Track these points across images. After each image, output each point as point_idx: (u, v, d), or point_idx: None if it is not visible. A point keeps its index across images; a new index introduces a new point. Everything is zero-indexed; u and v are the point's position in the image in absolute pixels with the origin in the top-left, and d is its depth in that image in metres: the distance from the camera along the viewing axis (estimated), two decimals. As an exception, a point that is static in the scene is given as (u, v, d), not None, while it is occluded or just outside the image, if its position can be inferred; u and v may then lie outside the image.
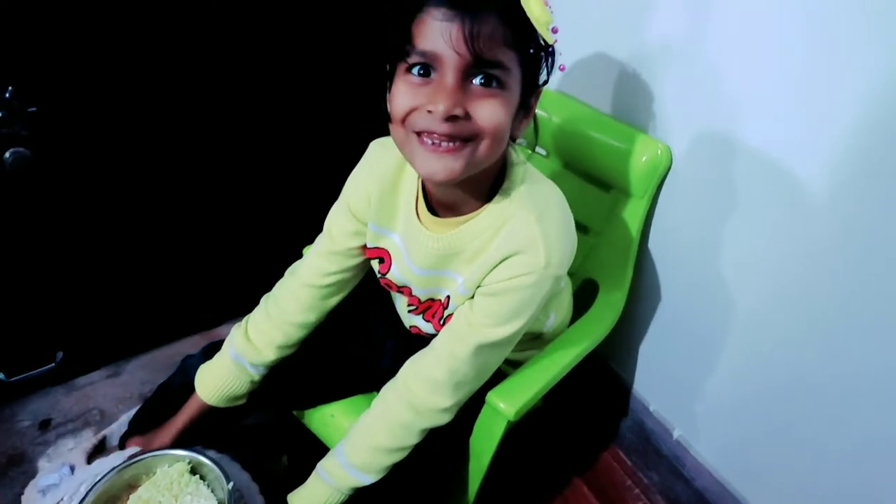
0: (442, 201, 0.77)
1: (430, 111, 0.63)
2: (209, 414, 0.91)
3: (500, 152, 0.69)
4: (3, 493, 1.06)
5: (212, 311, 1.42)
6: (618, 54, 1.00)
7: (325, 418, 0.95)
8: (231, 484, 0.76)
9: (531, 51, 0.65)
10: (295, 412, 0.99)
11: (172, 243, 1.26)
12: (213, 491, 0.79)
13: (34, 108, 0.95)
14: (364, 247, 0.87)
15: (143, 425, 0.95)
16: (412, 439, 0.79)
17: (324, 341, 0.94)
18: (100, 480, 0.76)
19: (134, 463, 0.79)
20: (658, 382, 1.13)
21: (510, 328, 0.74)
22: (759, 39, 0.81)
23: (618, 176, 0.97)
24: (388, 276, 0.86)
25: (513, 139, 0.73)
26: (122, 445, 0.94)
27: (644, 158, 0.93)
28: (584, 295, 1.03)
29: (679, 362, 1.07)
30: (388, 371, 0.86)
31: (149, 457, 0.80)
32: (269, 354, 0.90)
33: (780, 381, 0.91)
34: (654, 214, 1.00)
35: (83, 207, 1.11)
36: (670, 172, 0.95)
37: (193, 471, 0.81)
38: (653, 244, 1.03)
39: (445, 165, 0.65)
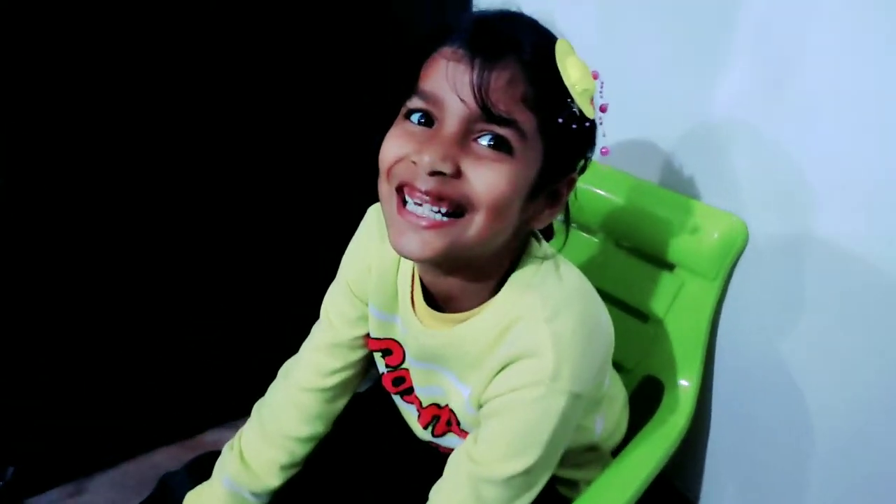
0: (437, 291, 0.63)
1: (414, 161, 0.51)
2: None
3: (498, 237, 0.55)
4: None
5: (193, 415, 1.24)
6: (679, 126, 0.90)
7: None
8: None
9: (559, 120, 0.53)
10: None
11: (145, 334, 1.11)
12: None
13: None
14: (367, 337, 0.72)
15: None
16: None
17: (331, 459, 0.77)
18: None
19: None
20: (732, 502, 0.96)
21: (519, 464, 0.57)
22: (849, 101, 0.70)
23: (684, 254, 0.84)
24: (405, 365, 0.71)
25: (533, 230, 0.61)
26: None
27: (716, 235, 0.81)
28: (647, 396, 0.87)
29: (762, 483, 0.90)
30: (413, 497, 0.68)
31: None
32: (272, 480, 0.72)
33: None
34: (724, 302, 0.86)
35: (42, 291, 0.98)
36: (745, 255, 0.83)
37: None
38: (723, 337, 0.89)
39: (423, 240, 0.52)
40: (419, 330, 0.64)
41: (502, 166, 0.52)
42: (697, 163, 0.88)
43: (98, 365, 1.08)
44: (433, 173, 0.50)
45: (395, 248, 0.55)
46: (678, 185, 0.91)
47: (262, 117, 1.07)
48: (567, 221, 0.64)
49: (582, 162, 0.59)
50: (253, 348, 1.24)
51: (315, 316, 0.77)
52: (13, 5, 0.79)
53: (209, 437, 1.24)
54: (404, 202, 0.54)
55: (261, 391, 1.05)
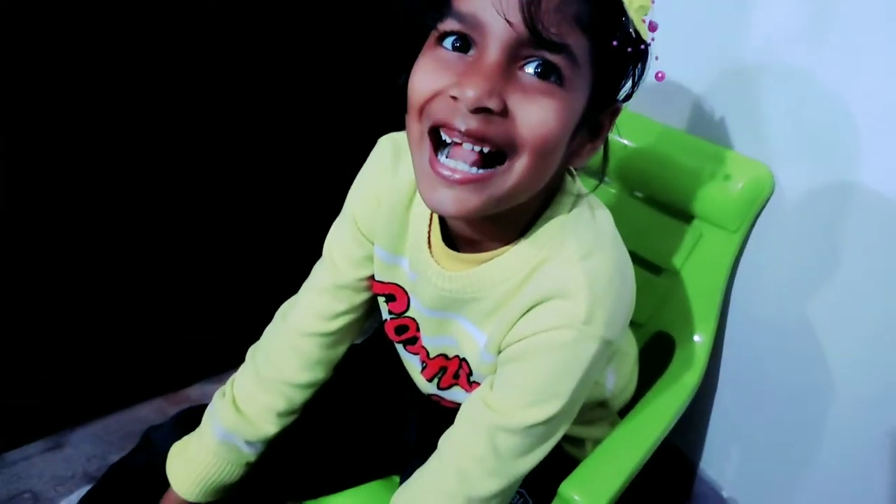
0: (460, 232, 0.58)
1: (454, 97, 0.45)
2: None
3: (541, 181, 0.51)
4: None
5: (178, 367, 1.20)
6: (704, 65, 0.84)
7: (332, 514, 0.73)
8: None
9: (614, 42, 0.46)
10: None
11: (128, 285, 1.06)
12: None
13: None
14: (371, 280, 0.68)
15: None
16: None
17: (329, 407, 0.73)
18: None
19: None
20: (736, 467, 0.94)
21: (543, 411, 0.53)
22: (886, 63, 0.65)
23: (705, 204, 0.79)
24: (408, 314, 0.66)
25: (570, 168, 0.56)
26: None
27: (740, 184, 0.76)
28: (657, 352, 0.84)
29: (767, 448, 0.89)
30: (412, 448, 0.68)
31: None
32: (268, 427, 0.68)
33: None
34: (742, 254, 0.82)
35: (25, 245, 0.92)
36: (769, 206, 0.78)
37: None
38: (738, 293, 0.85)
39: (457, 197, 0.47)
40: (435, 273, 0.59)
41: (552, 101, 0.46)
42: (724, 106, 0.83)
43: (79, 316, 1.03)
44: (477, 110, 0.45)
45: (426, 203, 0.50)
46: (701, 129, 0.86)
47: (260, 105, 1.04)
48: (605, 157, 0.59)
49: (631, 89, 0.53)
50: (238, 300, 1.20)
51: (301, 265, 0.72)
52: (13, 5, 0.75)
53: (194, 392, 1.21)
54: (436, 148, 0.48)
55: (247, 344, 1.01)
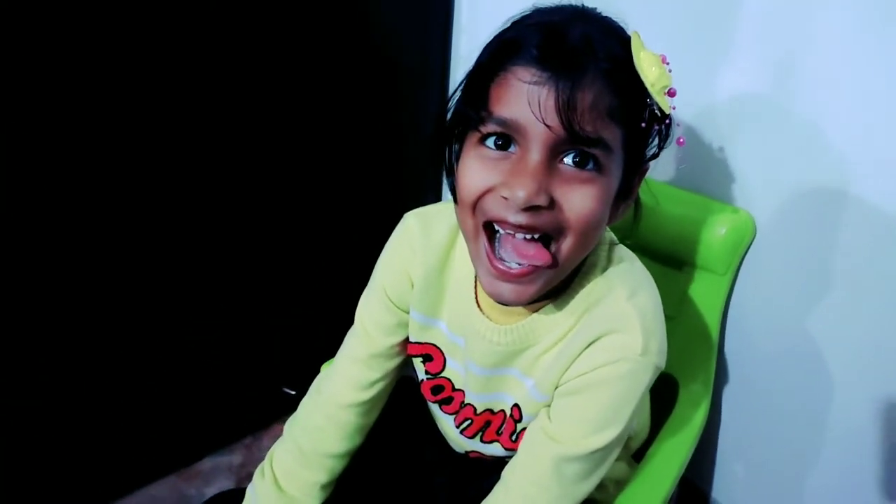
0: None
1: (505, 197, 0.49)
2: None
3: (585, 252, 0.56)
4: None
5: (187, 442, 1.19)
6: (680, 119, 0.89)
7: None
8: None
9: (643, 125, 0.52)
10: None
11: (138, 362, 1.06)
12: None
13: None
14: (404, 342, 0.70)
15: None
16: None
17: (358, 482, 0.74)
18: None
19: None
20: (747, 494, 0.97)
21: (604, 437, 0.57)
22: (857, 83, 0.70)
23: (692, 251, 0.84)
24: (444, 374, 0.69)
25: (610, 224, 0.60)
26: None
27: (723, 230, 0.81)
28: (657, 393, 0.87)
29: (773, 472, 0.91)
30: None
31: None
32: (311, 502, 0.70)
33: None
34: (732, 295, 0.87)
35: (31, 325, 0.92)
36: (753, 245, 0.83)
37: None
38: (732, 330, 0.89)
39: (516, 290, 0.53)
40: (489, 328, 0.62)
41: (592, 187, 0.51)
42: (702, 157, 0.88)
43: (85, 394, 1.02)
44: (527, 208, 0.49)
45: (487, 293, 0.55)
46: (683, 181, 0.90)
47: (281, 123, 1.05)
48: (637, 214, 0.64)
49: (657, 151, 0.58)
50: (242, 373, 1.20)
51: (301, 344, 0.74)
52: (13, 5, 0.75)
53: (205, 465, 1.20)
54: (489, 237, 0.53)
55: (253, 413, 1.01)
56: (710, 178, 0.86)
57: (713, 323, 0.84)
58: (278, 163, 1.08)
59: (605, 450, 0.57)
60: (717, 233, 0.81)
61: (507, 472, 0.61)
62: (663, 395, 0.86)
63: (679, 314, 0.86)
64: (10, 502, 1.01)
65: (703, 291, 0.85)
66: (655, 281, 0.87)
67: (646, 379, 0.57)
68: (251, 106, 1.01)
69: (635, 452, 0.79)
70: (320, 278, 1.20)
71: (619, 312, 0.57)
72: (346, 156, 1.16)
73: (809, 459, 0.86)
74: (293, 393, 0.77)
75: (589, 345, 0.57)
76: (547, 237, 0.52)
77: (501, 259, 0.53)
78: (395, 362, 0.71)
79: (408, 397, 0.77)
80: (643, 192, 0.88)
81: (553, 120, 0.48)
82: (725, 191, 0.85)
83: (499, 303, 0.56)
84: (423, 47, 1.20)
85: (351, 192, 1.19)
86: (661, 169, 0.92)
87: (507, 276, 0.52)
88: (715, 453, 0.98)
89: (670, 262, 0.88)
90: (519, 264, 0.52)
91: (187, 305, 1.08)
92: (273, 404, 0.86)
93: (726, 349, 0.91)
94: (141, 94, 0.87)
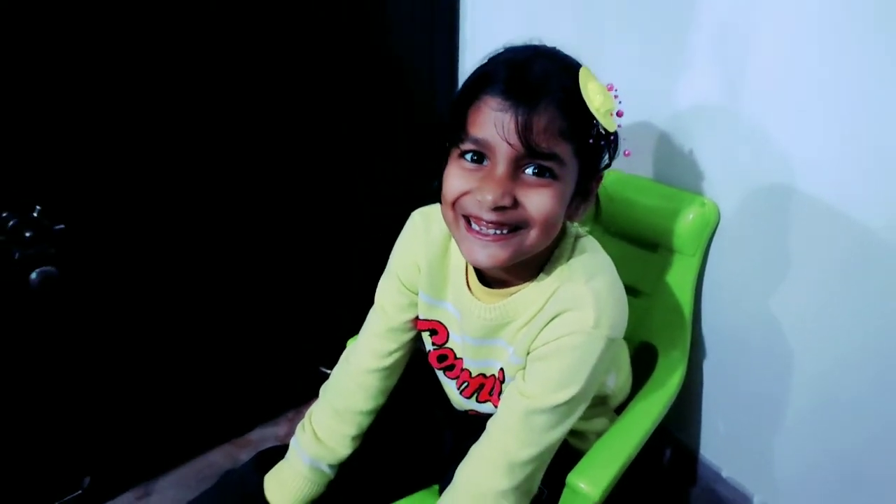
0: (491, 275, 0.75)
1: (479, 200, 0.63)
2: None
3: (549, 240, 0.68)
4: None
5: (240, 416, 1.36)
6: (651, 120, 1.00)
7: (390, 522, 0.88)
8: None
9: (590, 140, 0.64)
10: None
11: (197, 350, 1.23)
12: None
13: (62, 226, 0.93)
14: (416, 319, 0.84)
15: None
16: None
17: (381, 436, 0.89)
18: None
19: None
20: (729, 448, 1.08)
21: (563, 395, 0.68)
22: (798, 87, 0.81)
23: (665, 236, 0.95)
24: (448, 345, 0.83)
25: (570, 220, 0.72)
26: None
27: (691, 216, 0.92)
28: (642, 360, 0.99)
29: (749, 424, 1.02)
30: (448, 461, 0.81)
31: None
32: (344, 451, 0.85)
33: (862, 438, 0.86)
34: (704, 273, 0.98)
35: (106, 323, 1.08)
36: (719, 229, 0.94)
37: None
38: (706, 304, 1.01)
39: (490, 253, 0.65)
40: (478, 307, 0.75)
41: (548, 190, 0.63)
42: (669, 153, 0.99)
43: (158, 380, 1.19)
44: (496, 208, 0.62)
45: (467, 259, 0.68)
46: (654, 174, 1.02)
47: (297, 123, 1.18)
48: (597, 209, 0.77)
49: (608, 162, 0.71)
50: (285, 356, 1.36)
51: (332, 329, 0.87)
52: (14, 6, 0.82)
53: (255, 435, 1.36)
54: (468, 223, 0.66)
55: (296, 391, 1.15)
56: (679, 172, 0.98)
57: (686, 298, 0.96)
58: (316, 170, 1.23)
59: (567, 404, 0.68)
60: (686, 219, 0.93)
61: (489, 423, 0.74)
62: (647, 363, 0.98)
63: (656, 291, 0.98)
64: (95, 471, 1.18)
65: (677, 271, 0.96)
66: (634, 263, 1.00)
67: (599, 347, 0.67)
68: (292, 112, 1.15)
69: (618, 410, 0.91)
70: (345, 269, 1.35)
71: (577, 294, 0.68)
72: (365, 161, 1.31)
73: (778, 411, 0.96)
74: (328, 371, 0.91)
75: (551, 319, 0.69)
76: (515, 229, 0.65)
77: (478, 231, 0.65)
78: (409, 335, 0.85)
79: (420, 370, 0.91)
80: (621, 186, 1.01)
81: (514, 139, 0.61)
82: (694, 182, 0.96)
83: (478, 268, 0.69)
84: (431, 64, 1.34)
85: (371, 195, 1.34)
86: (633, 163, 1.03)
87: (484, 241, 0.64)
88: (700, 415, 1.10)
89: (647, 245, 1.00)
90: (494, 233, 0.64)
91: (243, 301, 1.25)
92: (312, 382, 1.00)
93: (703, 322, 1.02)
94: (161, 93, 0.99)
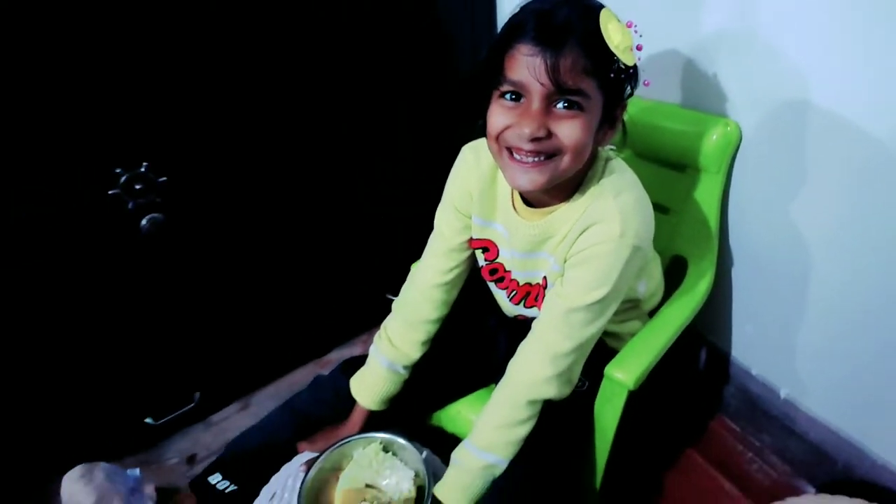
0: (533, 197, 0.86)
1: (518, 133, 0.73)
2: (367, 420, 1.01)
3: (581, 164, 0.78)
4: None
5: (321, 340, 1.54)
6: (675, 48, 1.07)
7: (454, 415, 1.04)
8: (425, 453, 0.87)
9: (612, 75, 0.73)
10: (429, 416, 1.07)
11: (284, 283, 1.39)
12: (405, 464, 0.89)
13: (165, 178, 1.09)
14: (470, 239, 0.96)
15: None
16: (523, 412, 0.83)
17: (444, 344, 1.03)
18: (307, 472, 0.87)
19: (336, 449, 0.90)
20: (757, 347, 1.17)
21: (596, 294, 0.79)
22: (813, 6, 0.86)
23: (691, 157, 1.02)
24: (498, 260, 0.95)
25: (599, 145, 0.81)
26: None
27: (714, 137, 0.99)
28: (676, 272, 1.08)
29: (776, 326, 1.10)
30: (503, 362, 0.92)
31: (345, 443, 0.92)
32: (415, 354, 1.00)
33: (883, 336, 0.93)
34: (730, 190, 1.06)
35: (208, 260, 1.24)
36: (741, 148, 1.01)
37: (385, 450, 0.91)
38: (733, 218, 1.08)
39: (530, 178, 0.76)
40: (523, 224, 0.87)
41: (577, 121, 0.73)
42: (693, 79, 1.05)
43: (256, 309, 1.36)
44: (533, 139, 0.73)
45: (510, 184, 0.79)
46: (679, 99, 1.09)
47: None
48: (624, 134, 0.85)
49: (630, 92, 0.80)
50: (358, 286, 1.51)
51: (397, 257, 1.02)
52: (14, 7, 0.88)
53: (334, 356, 1.54)
54: (511, 154, 0.76)
55: (367, 316, 1.29)
56: (702, 96, 1.04)
57: (713, 213, 1.04)
58: (380, 122, 1.36)
59: (600, 303, 0.80)
60: (710, 140, 1.00)
61: (534, 324, 0.86)
62: (679, 276, 1.07)
63: (684, 208, 1.07)
64: (203, 387, 1.35)
65: (703, 188, 1.04)
66: (664, 183, 1.09)
67: (626, 253, 0.78)
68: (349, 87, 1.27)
69: (651, 315, 1.01)
70: (407, 204, 1.48)
71: (605, 208, 0.79)
72: (421, 112, 1.43)
73: (801, 314, 1.05)
74: (393, 298, 1.04)
75: (584, 230, 0.80)
76: (551, 156, 0.75)
77: (519, 159, 0.76)
78: (465, 254, 0.98)
79: (475, 287, 1.04)
80: (648, 113, 1.08)
81: (545, 79, 0.71)
82: (716, 105, 1.03)
83: (520, 191, 0.80)
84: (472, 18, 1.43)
85: (426, 138, 1.46)
86: (660, 91, 1.11)
87: (524, 167, 0.75)
88: (730, 319, 1.19)
89: (674, 166, 1.08)
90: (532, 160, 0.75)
91: (321, 236, 1.39)
92: (381, 308, 1.14)
93: (730, 235, 1.10)
94: (199, 90, 1.10)
